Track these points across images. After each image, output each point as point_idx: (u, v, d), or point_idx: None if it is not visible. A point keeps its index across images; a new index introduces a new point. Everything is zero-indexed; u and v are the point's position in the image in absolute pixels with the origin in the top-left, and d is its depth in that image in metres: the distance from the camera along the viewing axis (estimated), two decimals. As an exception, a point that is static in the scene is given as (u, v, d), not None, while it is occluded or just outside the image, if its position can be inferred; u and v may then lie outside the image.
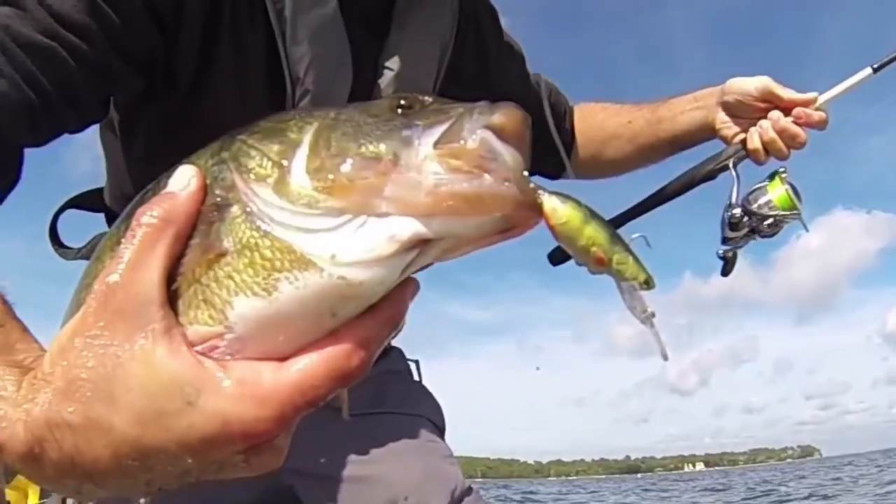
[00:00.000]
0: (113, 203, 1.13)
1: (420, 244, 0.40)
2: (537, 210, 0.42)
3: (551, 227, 0.43)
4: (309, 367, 0.39)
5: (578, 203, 0.43)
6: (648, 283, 0.46)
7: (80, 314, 0.43)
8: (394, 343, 1.31)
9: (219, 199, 0.43)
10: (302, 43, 0.92)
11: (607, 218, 0.46)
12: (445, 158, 0.39)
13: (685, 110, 1.39)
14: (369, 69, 1.03)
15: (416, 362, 1.37)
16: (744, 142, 1.29)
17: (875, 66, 1.31)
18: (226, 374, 0.39)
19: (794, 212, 1.27)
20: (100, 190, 1.17)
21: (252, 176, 0.42)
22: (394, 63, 1.04)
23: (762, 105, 1.28)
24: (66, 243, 1.18)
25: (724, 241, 1.36)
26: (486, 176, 0.39)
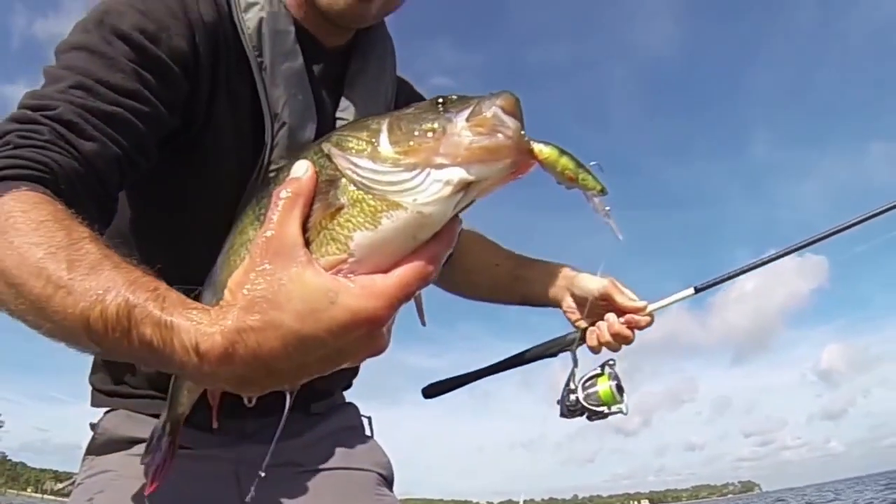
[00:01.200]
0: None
1: (464, 186, 0.60)
2: (531, 153, 0.63)
3: (540, 162, 0.64)
4: (404, 272, 0.60)
5: (556, 145, 0.64)
6: (603, 191, 0.68)
7: (248, 259, 0.63)
8: (349, 399, 1.49)
9: (328, 176, 0.65)
10: (279, 87, 1.11)
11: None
12: (474, 127, 0.60)
13: (541, 280, 1.53)
14: (329, 118, 1.21)
15: (369, 418, 1.49)
16: (584, 331, 1.46)
17: (697, 286, 1.46)
18: (351, 282, 0.60)
19: (616, 405, 1.42)
20: None
21: (353, 152, 0.63)
22: (348, 114, 1.23)
23: (602, 303, 1.43)
24: None
25: (562, 414, 1.48)
26: (499, 135, 0.60)
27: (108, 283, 0.65)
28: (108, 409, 1.28)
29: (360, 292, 0.58)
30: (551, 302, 1.53)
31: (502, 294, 1.62)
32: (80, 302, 0.65)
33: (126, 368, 1.22)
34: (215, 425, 1.03)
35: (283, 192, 0.64)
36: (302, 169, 0.65)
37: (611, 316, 1.42)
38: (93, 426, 1.28)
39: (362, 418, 1.49)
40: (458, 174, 0.59)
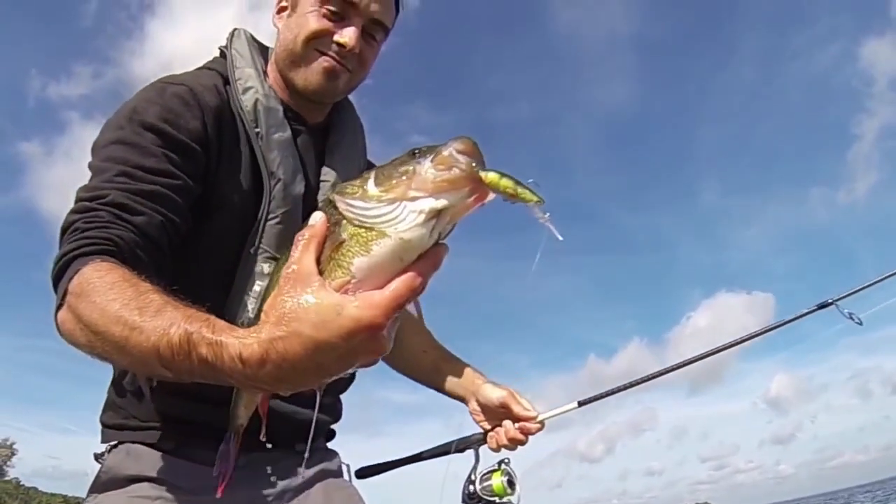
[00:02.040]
0: None
1: (435, 213, 0.73)
2: (480, 180, 0.74)
3: (487, 185, 0.74)
4: (395, 286, 0.73)
5: (499, 171, 0.74)
6: (540, 201, 0.75)
7: (277, 289, 0.78)
8: (331, 447, 1.65)
9: (335, 219, 0.79)
10: (273, 151, 1.34)
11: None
12: (437, 165, 0.73)
13: (454, 381, 1.74)
14: (314, 180, 1.45)
15: (348, 465, 1.66)
16: (486, 434, 1.69)
17: (581, 400, 1.68)
18: (354, 298, 0.73)
19: (507, 497, 1.64)
20: None
21: (349, 196, 0.77)
22: (329, 177, 1.47)
23: (502, 410, 1.64)
24: None
25: (463, 502, 1.71)
26: (455, 169, 0.73)
27: (171, 320, 0.84)
28: (113, 444, 1.37)
29: (361, 304, 0.72)
30: (461, 400, 1.74)
31: (423, 379, 1.80)
32: (151, 337, 0.84)
33: (134, 403, 1.33)
34: (263, 437, 1.21)
35: (301, 236, 0.80)
36: (316, 218, 0.81)
37: (508, 422, 1.63)
38: (97, 457, 1.39)
39: (342, 464, 1.64)
40: (428, 203, 0.72)
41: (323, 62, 1.39)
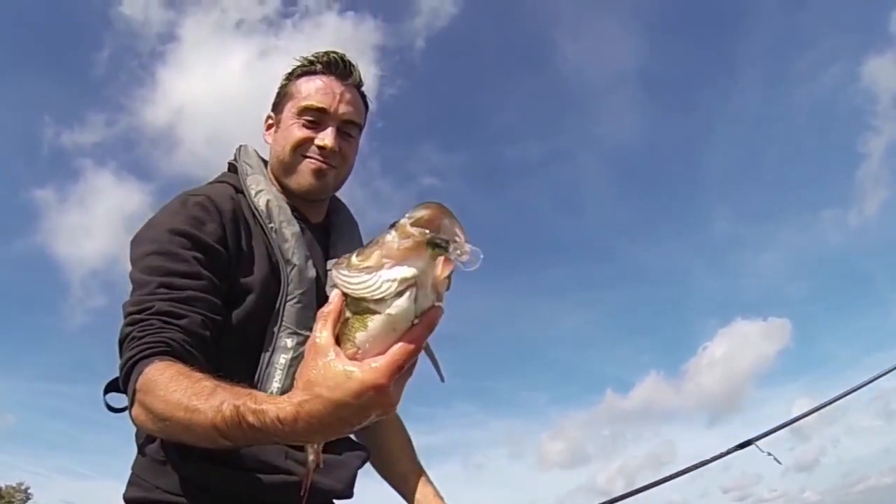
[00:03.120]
0: None
1: (410, 281, 0.78)
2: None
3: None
4: (393, 352, 0.80)
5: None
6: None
7: (304, 360, 0.87)
8: None
9: (347, 297, 0.84)
10: (287, 241, 1.47)
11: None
12: (399, 235, 0.77)
13: (417, 496, 1.72)
14: (322, 263, 1.56)
15: None
16: None
17: None
18: (363, 363, 0.81)
19: None
20: None
21: (338, 267, 0.84)
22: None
23: None
24: (115, 406, 1.44)
25: None
26: (411, 239, 0.77)
27: (222, 399, 0.98)
28: None
29: (366, 369, 0.81)
30: None
31: (390, 480, 1.80)
32: (208, 415, 0.98)
33: (158, 473, 1.36)
34: (317, 463, 1.31)
35: (321, 313, 0.87)
36: (333, 296, 0.87)
37: None
38: None
39: None
40: (399, 272, 0.77)
41: (310, 164, 1.54)
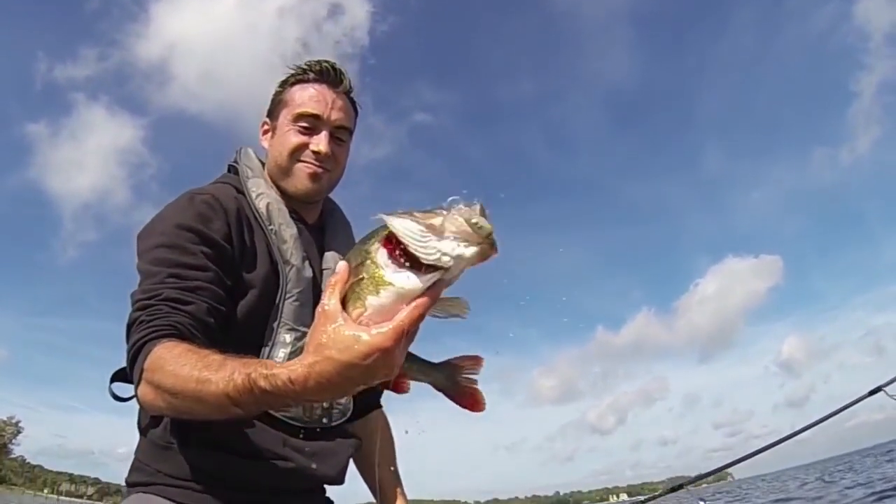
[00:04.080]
0: None
1: (452, 264, 0.84)
2: (493, 244, 0.84)
3: (494, 251, 0.84)
4: (399, 318, 0.87)
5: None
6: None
7: (313, 325, 0.95)
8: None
9: (357, 262, 0.92)
10: (286, 242, 1.55)
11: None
12: (471, 216, 0.82)
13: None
14: (317, 265, 1.64)
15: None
16: None
17: None
18: (371, 328, 0.88)
19: None
20: None
21: (397, 215, 0.86)
22: (330, 264, 1.65)
23: None
24: (121, 396, 1.48)
25: None
26: (482, 226, 0.82)
27: (232, 368, 1.04)
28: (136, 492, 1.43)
29: (374, 333, 0.87)
30: None
31: (366, 479, 1.88)
32: (220, 384, 1.03)
33: (161, 458, 1.42)
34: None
35: (329, 282, 0.95)
36: (340, 266, 0.95)
37: None
38: None
39: None
40: (453, 248, 0.82)
41: (306, 168, 1.62)
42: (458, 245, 0.82)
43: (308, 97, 1.64)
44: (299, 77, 1.68)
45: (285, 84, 1.70)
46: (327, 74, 1.66)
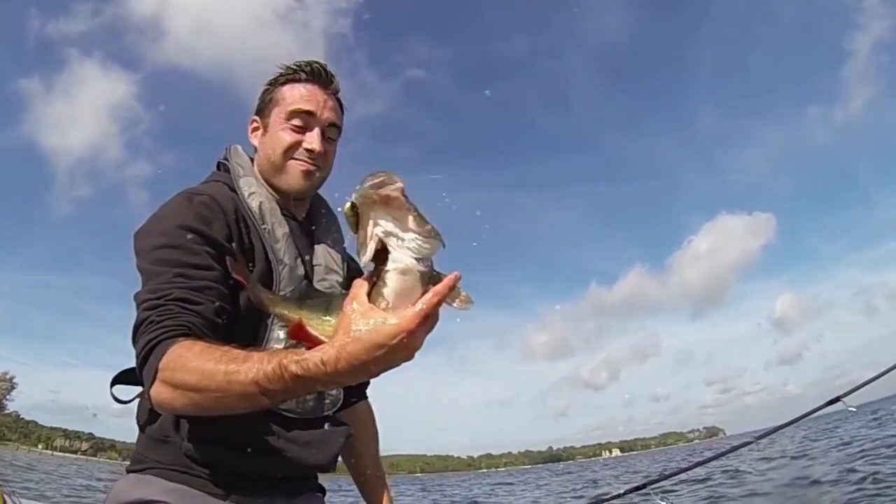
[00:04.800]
0: None
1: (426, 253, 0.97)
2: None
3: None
4: (421, 303, 0.95)
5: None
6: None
7: (342, 314, 1.01)
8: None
9: (376, 267, 1.00)
10: (278, 242, 1.57)
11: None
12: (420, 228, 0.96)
13: (368, 494, 1.98)
14: (309, 263, 1.66)
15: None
16: None
17: None
18: (396, 312, 0.96)
19: None
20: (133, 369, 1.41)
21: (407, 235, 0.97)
22: (321, 259, 1.69)
23: None
24: (122, 398, 1.53)
25: None
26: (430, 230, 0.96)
27: (260, 358, 1.08)
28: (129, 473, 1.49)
29: (399, 316, 0.95)
30: None
31: (350, 469, 2.01)
32: (248, 374, 1.07)
33: (159, 450, 1.44)
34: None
35: (356, 283, 1.03)
36: (358, 283, 1.03)
37: None
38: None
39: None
40: (424, 241, 0.96)
41: (299, 166, 1.64)
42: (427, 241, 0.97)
43: (300, 96, 1.66)
44: (290, 77, 1.70)
45: (275, 83, 1.71)
46: (318, 75, 1.69)
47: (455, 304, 1.05)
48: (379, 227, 0.96)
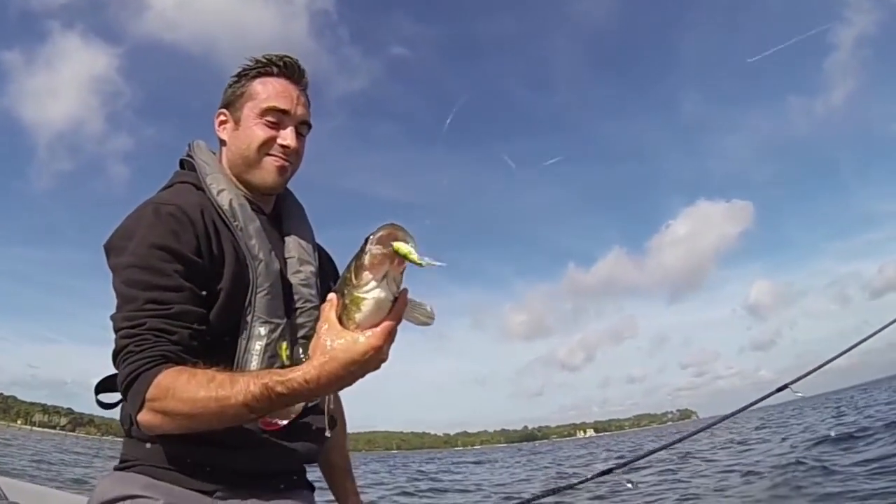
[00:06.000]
0: None
1: (383, 278, 1.08)
2: (395, 253, 1.05)
3: (399, 255, 1.06)
4: (384, 323, 1.11)
5: (404, 243, 1.07)
6: (421, 265, 1.07)
7: (316, 337, 1.16)
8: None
9: (343, 291, 1.14)
10: (252, 238, 1.54)
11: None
12: (369, 257, 1.07)
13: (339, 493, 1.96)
14: (280, 254, 1.65)
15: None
16: None
17: None
18: (364, 332, 1.11)
19: None
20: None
21: (343, 282, 1.14)
22: (293, 252, 1.68)
23: None
24: (107, 402, 1.55)
25: None
26: (379, 256, 1.07)
27: (245, 382, 1.18)
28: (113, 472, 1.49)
29: (368, 335, 1.10)
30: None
31: (327, 478, 1.98)
32: (238, 398, 1.17)
33: (142, 450, 1.44)
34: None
35: (325, 306, 1.17)
36: (331, 296, 1.18)
37: None
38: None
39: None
40: (376, 276, 1.08)
41: (274, 162, 1.62)
42: (378, 273, 1.09)
43: (275, 92, 1.64)
44: (262, 70, 1.66)
45: (245, 76, 1.67)
46: (292, 70, 1.66)
47: (417, 320, 1.18)
48: (389, 274, 1.09)
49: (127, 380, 1.27)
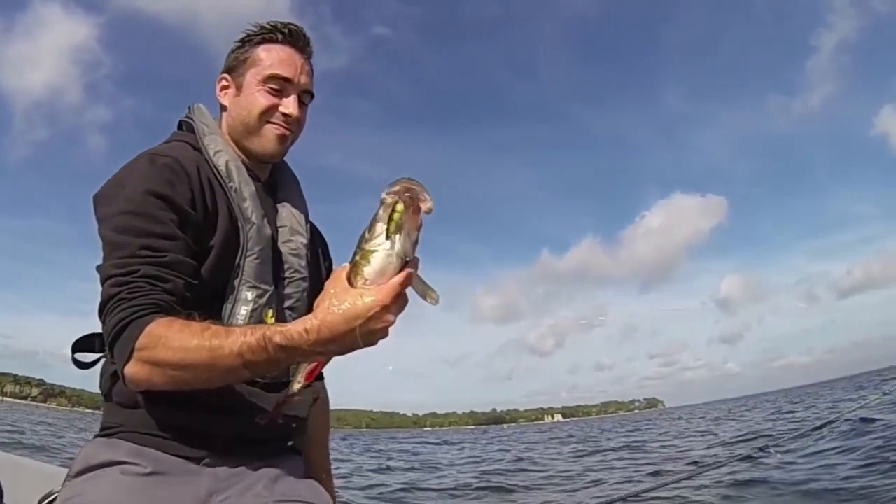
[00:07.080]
0: None
1: (397, 231, 1.01)
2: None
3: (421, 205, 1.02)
4: (394, 280, 1.03)
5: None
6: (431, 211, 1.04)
7: (323, 293, 1.08)
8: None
9: (354, 252, 1.06)
10: (245, 201, 1.50)
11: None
12: (383, 207, 1.01)
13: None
14: (272, 221, 1.61)
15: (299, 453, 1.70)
16: None
17: None
18: (371, 289, 1.03)
19: None
20: (98, 334, 1.47)
21: (363, 240, 1.05)
22: (285, 221, 1.64)
23: None
24: (84, 361, 1.53)
25: None
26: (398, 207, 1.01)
27: (242, 332, 1.11)
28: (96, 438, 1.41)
29: (374, 291, 1.03)
30: None
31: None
32: (233, 348, 1.09)
33: (125, 415, 1.38)
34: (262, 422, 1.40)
35: (336, 269, 1.11)
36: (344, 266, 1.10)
37: None
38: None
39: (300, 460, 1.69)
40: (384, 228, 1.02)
41: (275, 130, 1.59)
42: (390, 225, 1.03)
43: (279, 60, 1.59)
44: (266, 36, 1.60)
45: (249, 42, 1.61)
46: (297, 38, 1.61)
47: (427, 301, 1.14)
48: (403, 226, 1.03)
49: (116, 328, 1.19)
